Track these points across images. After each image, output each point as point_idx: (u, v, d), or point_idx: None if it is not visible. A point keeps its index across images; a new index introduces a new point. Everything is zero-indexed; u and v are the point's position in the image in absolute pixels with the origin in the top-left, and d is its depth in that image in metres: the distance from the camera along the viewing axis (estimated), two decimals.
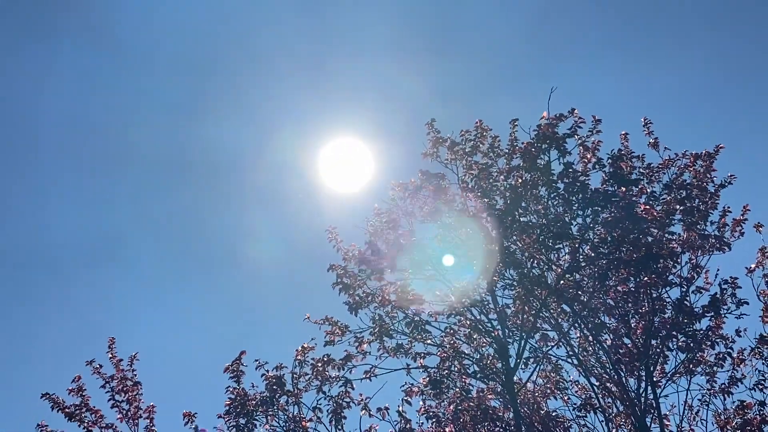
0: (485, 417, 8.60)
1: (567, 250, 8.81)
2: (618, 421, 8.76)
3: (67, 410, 8.81)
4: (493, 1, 25.61)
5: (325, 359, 8.81)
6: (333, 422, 8.33)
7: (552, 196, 8.64)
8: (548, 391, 9.22)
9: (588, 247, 8.61)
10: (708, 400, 8.46)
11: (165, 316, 26.10)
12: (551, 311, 9.05)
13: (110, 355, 9.47)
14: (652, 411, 8.18)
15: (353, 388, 8.55)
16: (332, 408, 8.41)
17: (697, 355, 8.45)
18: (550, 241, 8.48)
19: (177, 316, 26.32)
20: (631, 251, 8.16)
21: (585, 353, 9.00)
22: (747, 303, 8.29)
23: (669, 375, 8.50)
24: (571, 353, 8.88)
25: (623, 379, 8.38)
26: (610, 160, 8.58)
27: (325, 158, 20.10)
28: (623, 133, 9.16)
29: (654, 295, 8.36)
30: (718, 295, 8.27)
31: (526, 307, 8.82)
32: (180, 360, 23.95)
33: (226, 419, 8.57)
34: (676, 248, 8.47)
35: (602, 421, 8.46)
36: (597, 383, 8.71)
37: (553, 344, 9.05)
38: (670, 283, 8.39)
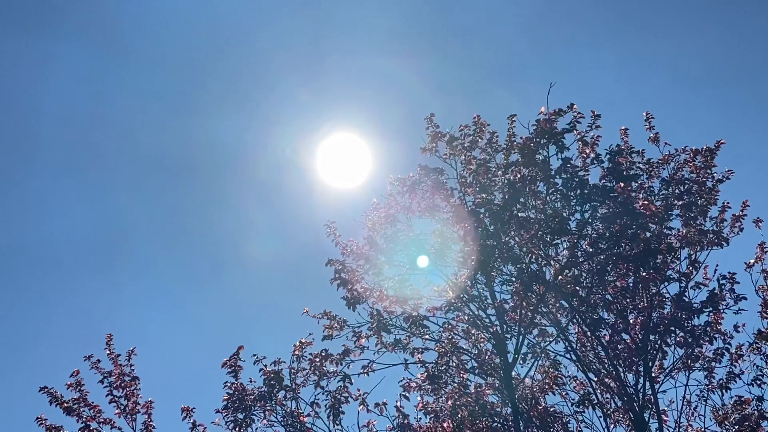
0: (483, 412, 8.59)
1: (565, 246, 8.80)
2: (616, 416, 8.77)
3: (65, 405, 8.81)
4: None
5: (323, 354, 8.81)
6: (331, 417, 8.34)
7: (550, 191, 8.62)
8: (546, 386, 9.21)
9: (586, 243, 8.60)
10: (706, 395, 8.48)
11: (164, 312, 26.16)
12: (549, 306, 9.04)
13: (108, 351, 9.47)
14: (651, 406, 8.18)
15: (351, 383, 8.56)
16: (330, 403, 8.42)
17: (696, 351, 8.44)
18: (549, 236, 8.47)
19: (176, 312, 26.38)
20: (629, 247, 8.15)
21: (583, 348, 9.00)
22: (745, 298, 8.31)
23: (667, 370, 8.50)
24: (569, 348, 8.89)
25: (621, 374, 8.39)
26: (608, 156, 8.56)
27: (324, 154, 20.11)
28: (623, 128, 9.15)
29: (652, 291, 8.36)
30: (716, 291, 8.27)
31: (524, 303, 8.81)
32: (179, 355, 24.01)
33: (224, 414, 8.59)
34: (675, 244, 8.46)
35: (600, 416, 8.48)
36: (595, 379, 8.71)
37: (551, 339, 9.05)
38: (668, 278, 8.39)
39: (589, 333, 8.70)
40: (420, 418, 8.89)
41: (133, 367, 9.47)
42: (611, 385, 8.59)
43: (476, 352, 9.20)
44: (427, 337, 9.09)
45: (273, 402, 8.57)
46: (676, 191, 8.58)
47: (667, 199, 8.55)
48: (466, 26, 26.58)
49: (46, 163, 27.15)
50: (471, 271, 8.90)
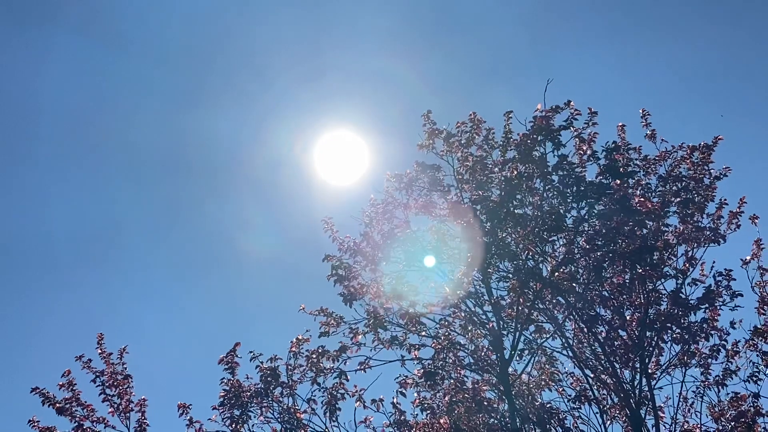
0: (480, 408, 8.58)
1: (562, 242, 8.81)
2: (613, 412, 8.78)
3: (57, 405, 8.74)
4: None
5: (320, 351, 8.79)
6: (327, 414, 8.32)
7: (547, 188, 8.62)
8: (543, 382, 9.23)
9: (583, 239, 8.60)
10: (702, 392, 8.48)
11: (160, 308, 26.06)
12: (546, 303, 9.04)
13: (99, 351, 9.40)
14: (647, 403, 8.19)
15: (348, 380, 8.55)
16: (327, 399, 8.40)
17: (692, 347, 8.44)
18: (546, 233, 8.47)
19: (172, 308, 26.30)
20: (626, 243, 8.16)
21: (580, 345, 9.00)
22: (741, 295, 8.31)
23: (664, 367, 8.51)
24: (565, 345, 8.89)
25: (618, 371, 8.39)
26: (605, 153, 8.55)
27: (321, 150, 20.05)
28: (620, 125, 9.17)
29: (649, 287, 8.36)
30: (713, 287, 8.28)
31: (520, 299, 8.81)
32: (175, 352, 23.96)
33: (220, 411, 8.54)
34: (672, 240, 8.47)
35: (597, 412, 8.47)
36: (592, 375, 8.71)
37: (547, 336, 9.06)
38: (665, 275, 8.39)
39: (585, 329, 8.70)
40: (417, 415, 8.88)
41: (125, 366, 9.39)
42: (608, 381, 8.59)
43: (473, 348, 9.19)
44: (423, 333, 9.09)
45: (270, 398, 8.54)
46: (673, 188, 8.59)
47: (664, 196, 8.56)
48: (464, 24, 26.58)
49: (41, 158, 27.03)
50: (468, 268, 8.89)
